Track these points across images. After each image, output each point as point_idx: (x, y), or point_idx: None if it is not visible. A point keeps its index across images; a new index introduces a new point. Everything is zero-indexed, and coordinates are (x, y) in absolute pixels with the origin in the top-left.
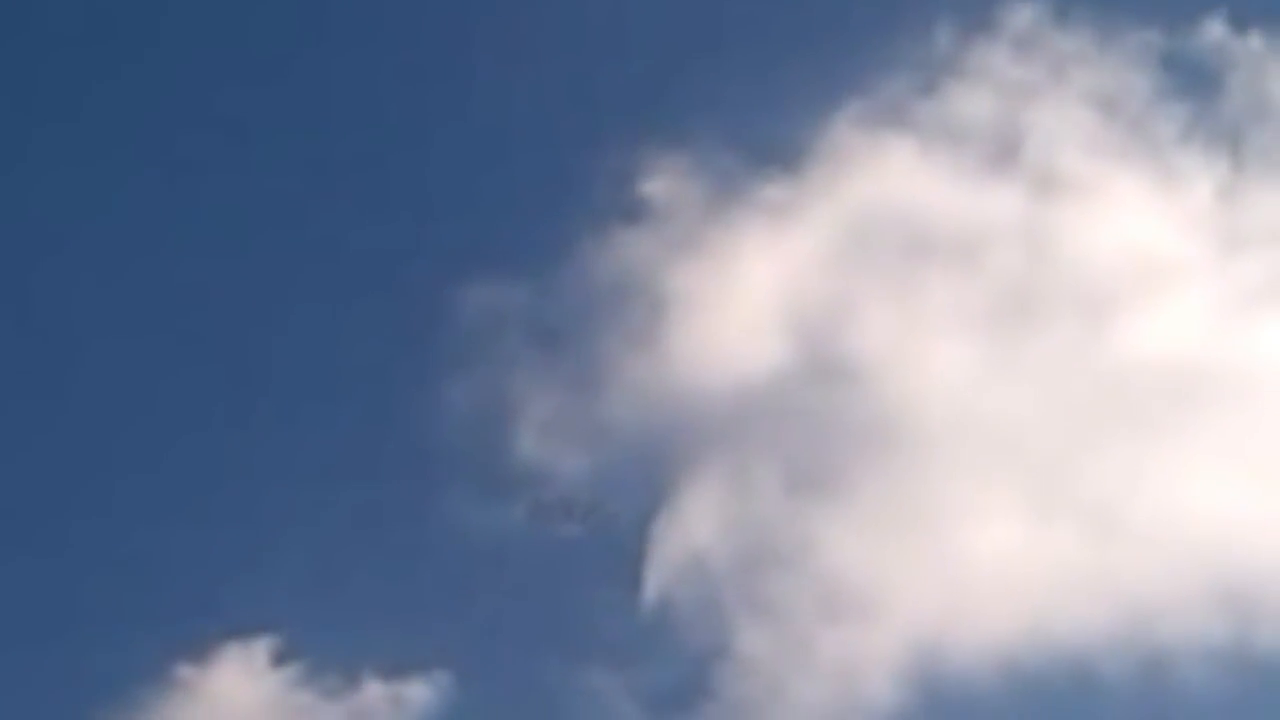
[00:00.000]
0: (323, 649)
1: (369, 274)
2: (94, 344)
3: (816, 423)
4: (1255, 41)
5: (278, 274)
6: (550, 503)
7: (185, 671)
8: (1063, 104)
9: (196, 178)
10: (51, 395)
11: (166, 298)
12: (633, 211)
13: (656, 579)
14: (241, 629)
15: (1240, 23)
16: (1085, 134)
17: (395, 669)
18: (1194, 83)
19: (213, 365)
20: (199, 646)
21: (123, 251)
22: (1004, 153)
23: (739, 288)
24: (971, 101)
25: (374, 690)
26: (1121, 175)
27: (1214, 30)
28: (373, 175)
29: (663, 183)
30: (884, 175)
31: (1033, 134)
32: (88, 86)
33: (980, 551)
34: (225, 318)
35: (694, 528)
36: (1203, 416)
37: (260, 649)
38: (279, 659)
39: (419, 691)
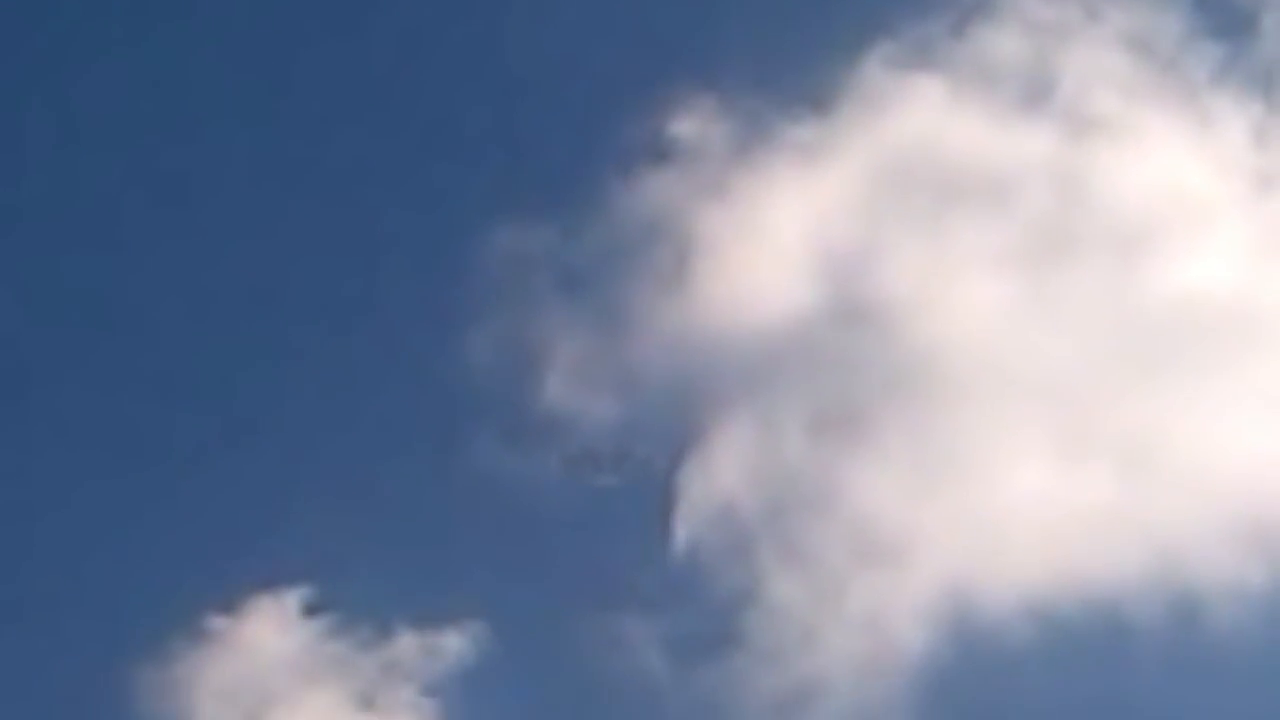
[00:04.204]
0: (354, 600)
1: (393, 217)
2: (124, 299)
3: (846, 366)
4: None
5: (302, 221)
6: (579, 453)
7: (217, 623)
8: (1095, 45)
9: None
10: (80, 348)
11: (187, 245)
12: (660, 153)
13: (686, 526)
14: (273, 580)
15: None
16: (1118, 75)
17: (428, 619)
18: (1228, 24)
19: (236, 314)
20: (230, 598)
21: (151, 195)
22: (1035, 94)
23: (767, 230)
24: (1003, 42)
25: (406, 641)
26: (1155, 116)
27: None
28: (397, 118)
29: (690, 124)
30: (914, 116)
31: (1065, 75)
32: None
33: (1011, 495)
34: (246, 266)
35: (722, 474)
36: (1236, 358)
37: (292, 600)
38: (311, 610)
39: (452, 641)
